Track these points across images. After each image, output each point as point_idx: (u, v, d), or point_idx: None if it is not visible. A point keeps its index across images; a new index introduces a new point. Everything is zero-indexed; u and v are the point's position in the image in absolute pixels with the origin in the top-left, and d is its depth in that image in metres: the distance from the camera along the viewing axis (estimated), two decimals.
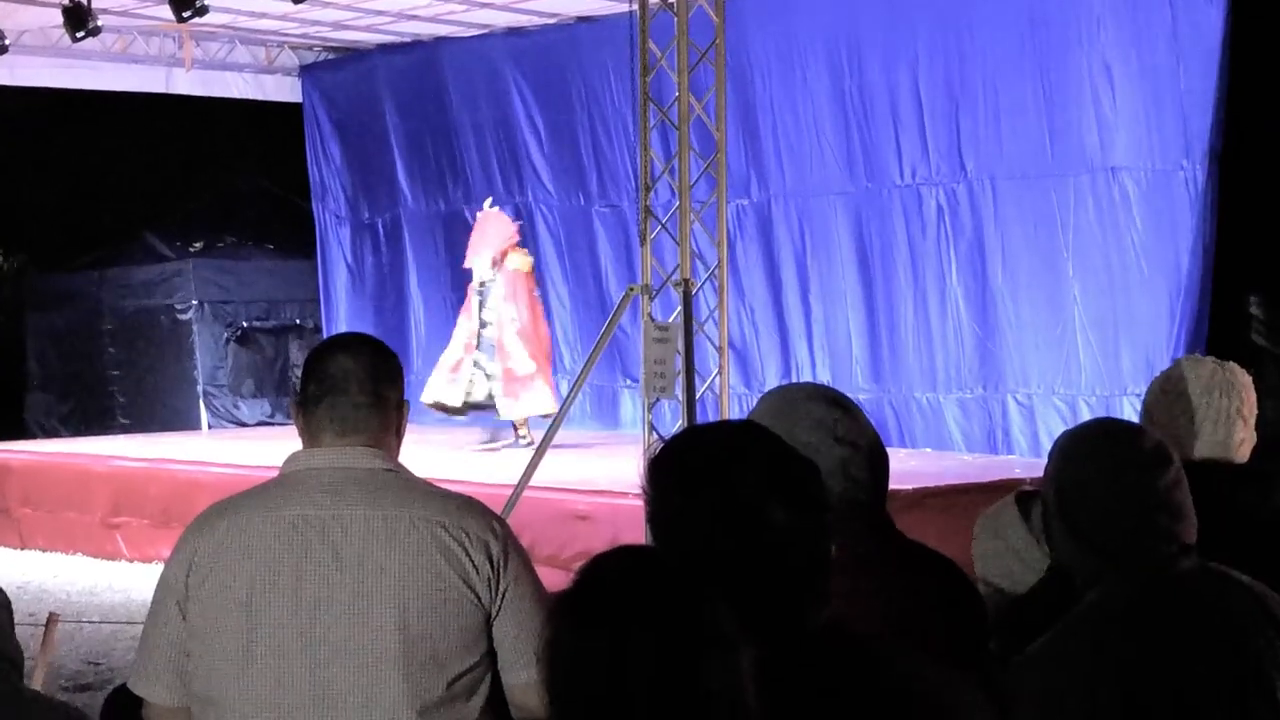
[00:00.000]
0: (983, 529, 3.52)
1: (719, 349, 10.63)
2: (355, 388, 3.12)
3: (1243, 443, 3.72)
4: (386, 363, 3.20)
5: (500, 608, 3.02)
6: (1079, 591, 2.82)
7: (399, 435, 3.20)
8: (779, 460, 2.20)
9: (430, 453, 11.56)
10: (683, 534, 2.17)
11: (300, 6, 13.23)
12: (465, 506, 3.11)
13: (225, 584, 3.04)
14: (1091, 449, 2.85)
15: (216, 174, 19.35)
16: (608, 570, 2.00)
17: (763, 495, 2.15)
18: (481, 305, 12.96)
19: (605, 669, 1.91)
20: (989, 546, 3.42)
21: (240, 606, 3.02)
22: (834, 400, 2.91)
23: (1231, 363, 3.86)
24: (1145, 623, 2.73)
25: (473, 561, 3.00)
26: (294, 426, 3.21)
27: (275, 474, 3.18)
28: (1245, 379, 3.81)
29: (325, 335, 17.08)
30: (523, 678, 3.00)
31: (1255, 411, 3.79)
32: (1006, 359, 12.31)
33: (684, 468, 2.23)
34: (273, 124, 17.99)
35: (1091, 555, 2.79)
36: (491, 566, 3.02)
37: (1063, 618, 2.79)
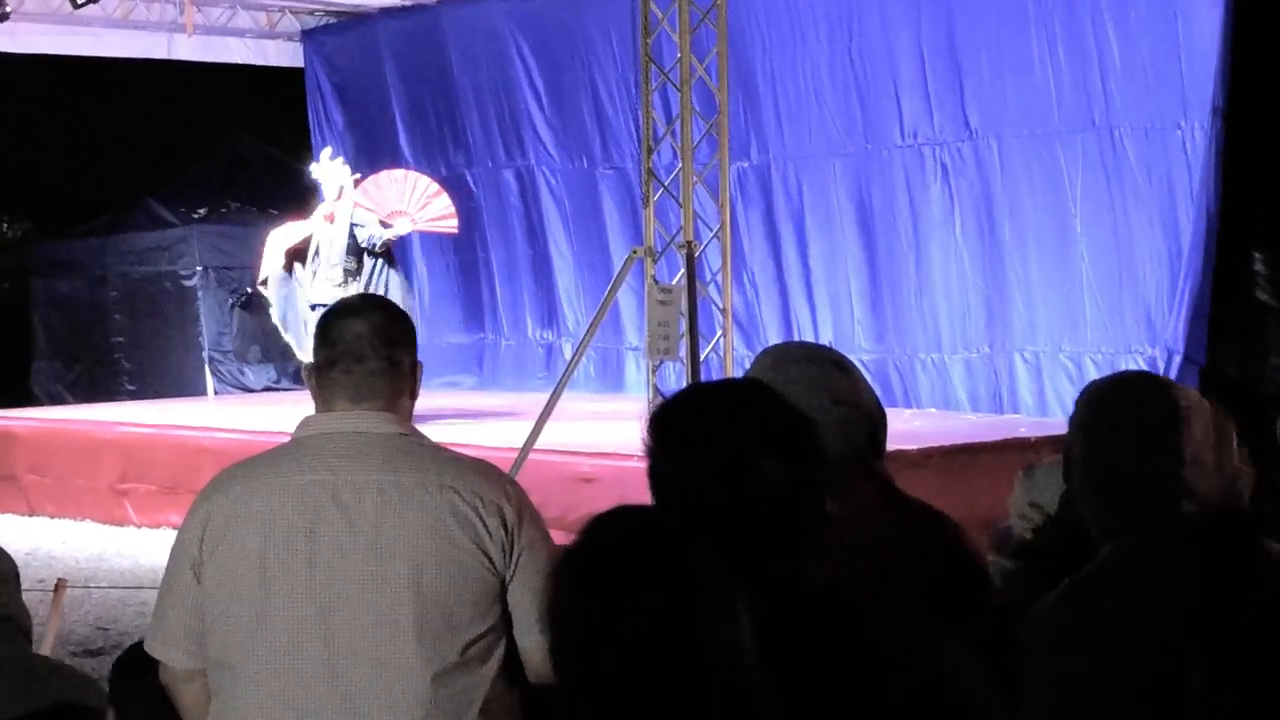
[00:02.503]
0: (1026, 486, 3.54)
1: (723, 311, 10.64)
2: (369, 353, 3.11)
3: None
4: (399, 326, 3.19)
5: (514, 572, 3.02)
6: (1094, 543, 2.82)
7: (412, 398, 3.20)
8: (776, 415, 2.20)
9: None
10: (679, 488, 2.17)
11: None
12: (479, 471, 3.12)
13: (239, 548, 3.04)
14: (1126, 402, 2.83)
15: (219, 139, 19.33)
16: (609, 531, 2.00)
17: (757, 448, 2.15)
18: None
19: (607, 629, 1.92)
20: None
21: (254, 571, 3.02)
22: (832, 360, 2.92)
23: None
24: (1161, 576, 2.73)
25: (486, 526, 3.00)
26: (299, 392, 3.24)
27: (285, 439, 3.19)
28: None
29: None
30: (537, 641, 2.98)
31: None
32: (1013, 318, 12.31)
33: (681, 422, 2.23)
34: (275, 89, 17.96)
35: (1112, 508, 2.78)
36: (505, 531, 3.02)
37: (1080, 567, 2.80)
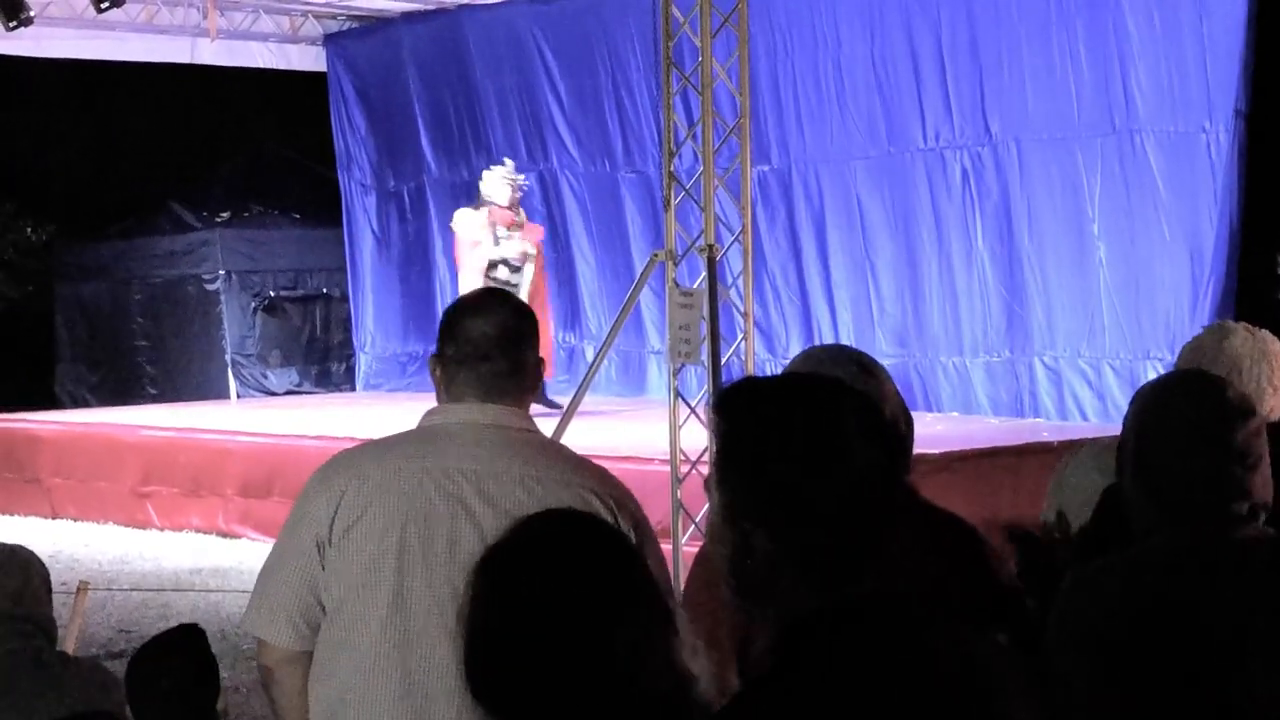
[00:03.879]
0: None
1: (744, 314, 10.62)
2: (496, 354, 3.14)
3: (1272, 410, 3.68)
4: (525, 325, 3.22)
5: None
6: (1136, 537, 2.79)
7: (533, 391, 3.25)
8: (860, 404, 2.15)
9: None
10: (763, 469, 2.07)
11: None
12: (607, 476, 3.16)
13: (377, 530, 3.03)
14: (1174, 398, 2.81)
15: (242, 144, 19.39)
16: (530, 529, 1.97)
17: (848, 433, 2.08)
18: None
19: (511, 627, 1.90)
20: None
21: (393, 553, 3.02)
22: (857, 362, 2.92)
23: (1264, 330, 3.83)
24: (1183, 579, 2.69)
25: (620, 529, 3.03)
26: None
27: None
28: (1276, 347, 3.79)
29: (353, 304, 17.14)
30: None
31: None
32: (1034, 322, 12.28)
33: (768, 401, 2.12)
34: (297, 93, 18.01)
35: (1157, 505, 2.75)
36: (634, 535, 3.04)
37: (1111, 554, 2.78)
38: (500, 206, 12.91)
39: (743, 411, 2.12)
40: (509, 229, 12.88)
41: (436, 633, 2.99)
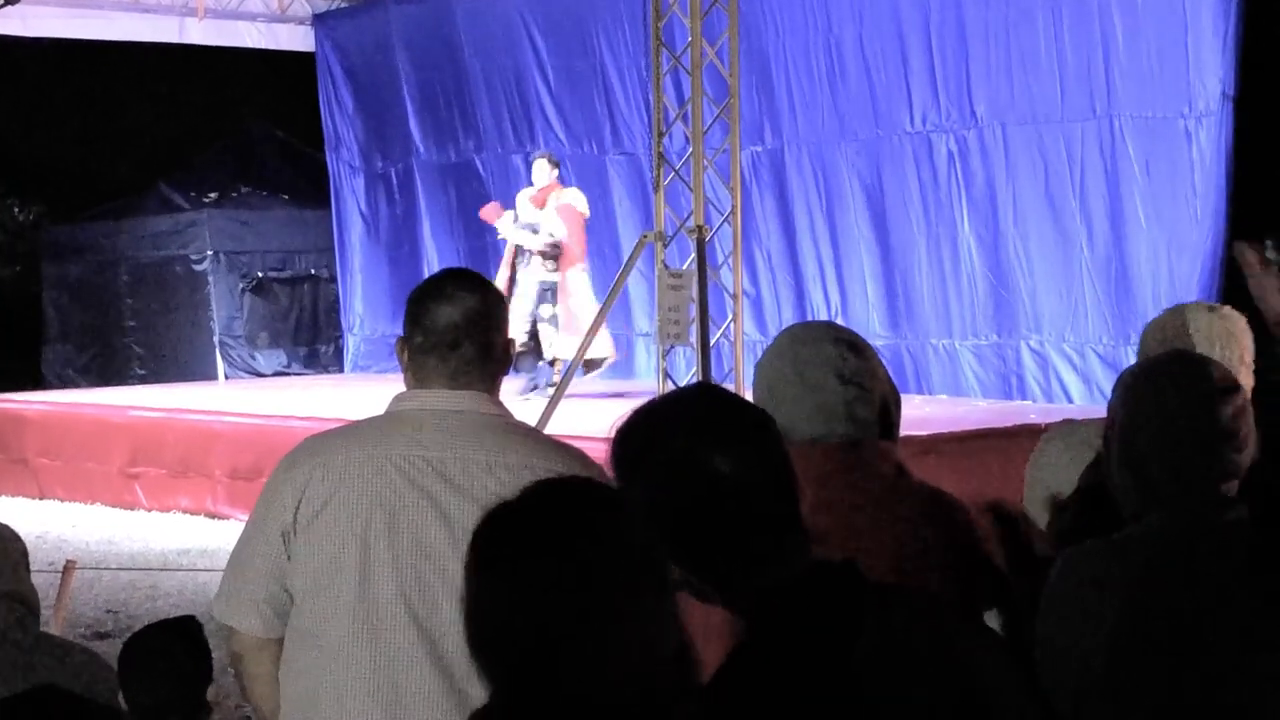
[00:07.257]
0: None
1: (733, 295, 10.62)
2: (464, 341, 3.10)
3: None
4: (494, 308, 3.18)
5: None
6: (1124, 520, 2.79)
7: (504, 374, 3.21)
8: (716, 414, 2.17)
9: None
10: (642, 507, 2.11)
11: None
12: (579, 460, 3.11)
13: (341, 520, 3.01)
14: (1160, 381, 2.79)
15: (230, 124, 19.36)
16: (533, 494, 1.97)
17: (701, 449, 2.12)
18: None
19: (499, 594, 1.92)
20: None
21: (357, 544, 2.99)
22: (845, 340, 2.90)
23: (1226, 308, 3.80)
24: (1170, 562, 2.69)
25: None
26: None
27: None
28: (1241, 324, 3.76)
29: (340, 285, 17.12)
30: None
31: (1253, 355, 3.76)
32: (1019, 306, 12.30)
33: (626, 441, 2.21)
34: (286, 73, 17.99)
35: (1145, 489, 2.74)
36: None
37: (1093, 538, 2.78)
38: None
39: (610, 459, 2.20)
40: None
41: (403, 622, 2.97)
